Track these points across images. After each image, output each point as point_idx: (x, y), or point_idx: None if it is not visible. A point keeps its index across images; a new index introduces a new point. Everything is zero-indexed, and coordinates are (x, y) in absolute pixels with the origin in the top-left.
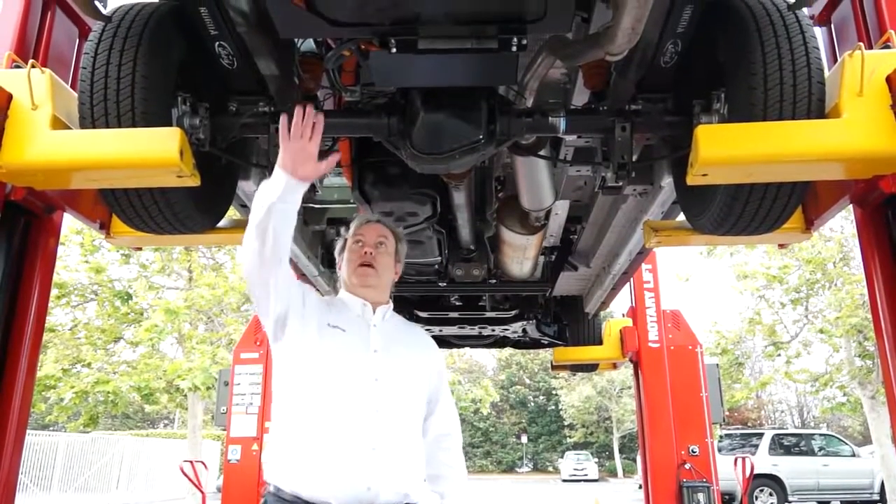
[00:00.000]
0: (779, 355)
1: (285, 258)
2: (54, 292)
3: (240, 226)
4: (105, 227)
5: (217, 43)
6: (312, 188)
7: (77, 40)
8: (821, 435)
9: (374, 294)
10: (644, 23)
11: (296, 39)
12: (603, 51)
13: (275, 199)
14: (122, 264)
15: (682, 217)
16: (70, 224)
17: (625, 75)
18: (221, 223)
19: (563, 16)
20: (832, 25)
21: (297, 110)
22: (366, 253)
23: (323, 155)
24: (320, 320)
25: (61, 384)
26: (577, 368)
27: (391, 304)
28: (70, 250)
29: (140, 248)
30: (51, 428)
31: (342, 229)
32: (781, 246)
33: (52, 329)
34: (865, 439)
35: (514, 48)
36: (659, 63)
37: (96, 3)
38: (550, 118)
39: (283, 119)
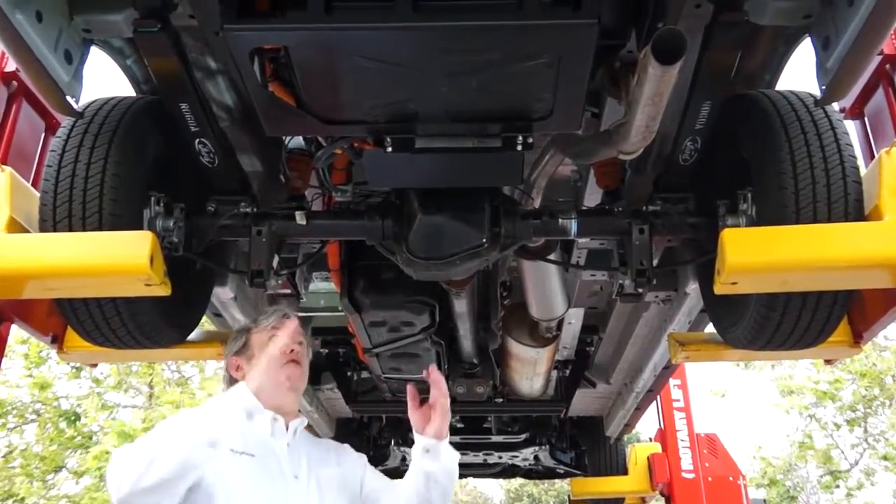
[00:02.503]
0: (837, 486)
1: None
2: None
3: (213, 339)
4: (58, 340)
5: (197, 140)
6: (297, 295)
7: (42, 135)
8: None
9: (291, 403)
10: (659, 120)
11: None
12: (616, 149)
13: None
14: (71, 378)
15: (712, 328)
16: (15, 332)
17: (641, 173)
18: (191, 336)
19: (572, 113)
20: (866, 119)
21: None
22: (292, 350)
23: (309, 258)
24: (222, 448)
25: None
26: None
27: (303, 416)
28: (12, 362)
29: (95, 365)
30: None
31: (249, 321)
32: (828, 362)
33: None
34: None
35: (520, 147)
36: (677, 160)
37: (69, 99)
38: (560, 220)
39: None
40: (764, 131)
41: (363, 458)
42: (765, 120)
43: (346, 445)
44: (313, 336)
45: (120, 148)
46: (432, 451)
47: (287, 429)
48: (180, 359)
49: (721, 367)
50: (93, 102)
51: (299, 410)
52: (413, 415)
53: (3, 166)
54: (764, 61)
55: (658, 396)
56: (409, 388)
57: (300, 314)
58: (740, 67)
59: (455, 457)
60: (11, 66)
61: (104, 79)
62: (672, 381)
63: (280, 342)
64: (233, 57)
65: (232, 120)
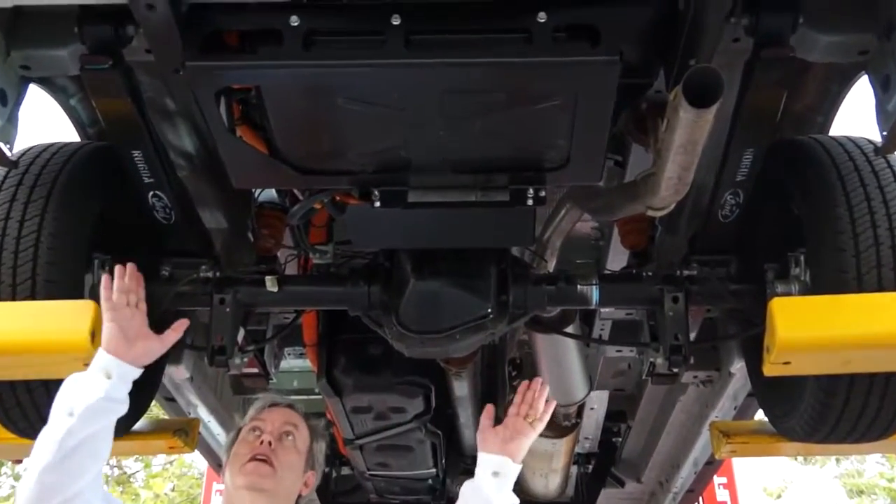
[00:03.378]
0: None
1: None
2: None
3: (162, 429)
4: None
5: (151, 192)
6: (265, 375)
7: None
8: None
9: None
10: (693, 170)
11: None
12: (643, 204)
13: (93, 396)
14: None
15: (762, 415)
16: None
17: (673, 232)
18: (137, 425)
19: (592, 162)
20: None
21: (118, 269)
22: (262, 443)
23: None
24: None
25: None
26: None
27: None
28: None
29: (20, 461)
30: None
31: (237, 416)
32: None
33: None
34: None
35: (531, 201)
36: (717, 216)
37: (1, 145)
38: (579, 286)
39: (104, 280)
40: (817, 183)
41: None
42: (818, 170)
43: None
44: None
45: (59, 202)
46: (502, 475)
47: None
48: (123, 454)
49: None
50: (29, 150)
51: None
52: (482, 434)
53: None
54: (815, 102)
55: (700, 498)
56: (488, 408)
57: (292, 401)
58: (787, 109)
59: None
60: None
61: (43, 122)
62: (717, 480)
63: (242, 441)
64: (195, 98)
65: (193, 169)
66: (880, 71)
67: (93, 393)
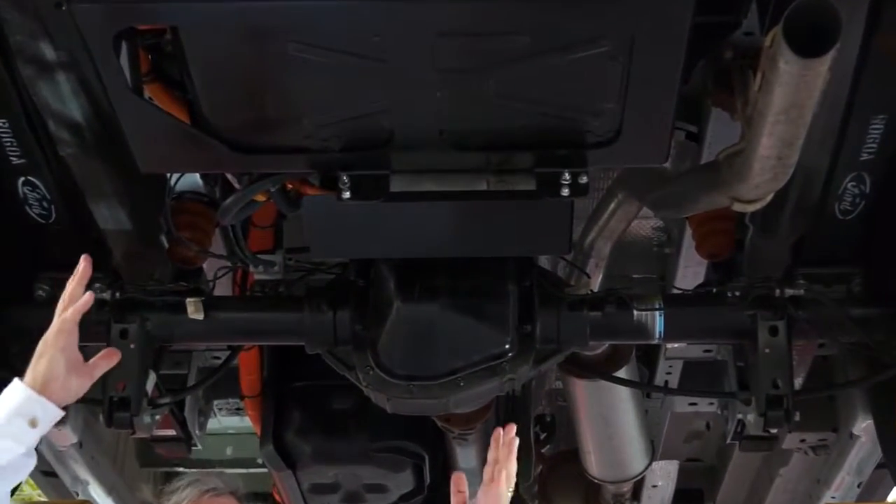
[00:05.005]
0: None
1: None
2: None
3: None
4: None
5: (23, 178)
6: (186, 440)
7: None
8: None
9: None
10: (799, 147)
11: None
12: (728, 195)
13: (12, 452)
14: None
15: None
16: None
17: (771, 235)
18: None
19: (653, 135)
20: None
21: (82, 264)
22: None
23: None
24: None
25: None
26: None
27: None
28: None
29: None
30: None
31: (147, 491)
32: None
33: None
34: None
35: (566, 191)
36: (833, 213)
37: None
38: (636, 311)
39: (69, 290)
40: None
41: None
42: None
43: None
44: None
45: None
46: None
47: None
48: None
49: None
50: None
51: None
52: None
53: None
54: None
55: None
56: (456, 477)
57: (229, 482)
58: None
59: None
60: None
61: None
62: None
63: None
64: (84, 43)
65: (81, 145)
66: None
67: (11, 447)
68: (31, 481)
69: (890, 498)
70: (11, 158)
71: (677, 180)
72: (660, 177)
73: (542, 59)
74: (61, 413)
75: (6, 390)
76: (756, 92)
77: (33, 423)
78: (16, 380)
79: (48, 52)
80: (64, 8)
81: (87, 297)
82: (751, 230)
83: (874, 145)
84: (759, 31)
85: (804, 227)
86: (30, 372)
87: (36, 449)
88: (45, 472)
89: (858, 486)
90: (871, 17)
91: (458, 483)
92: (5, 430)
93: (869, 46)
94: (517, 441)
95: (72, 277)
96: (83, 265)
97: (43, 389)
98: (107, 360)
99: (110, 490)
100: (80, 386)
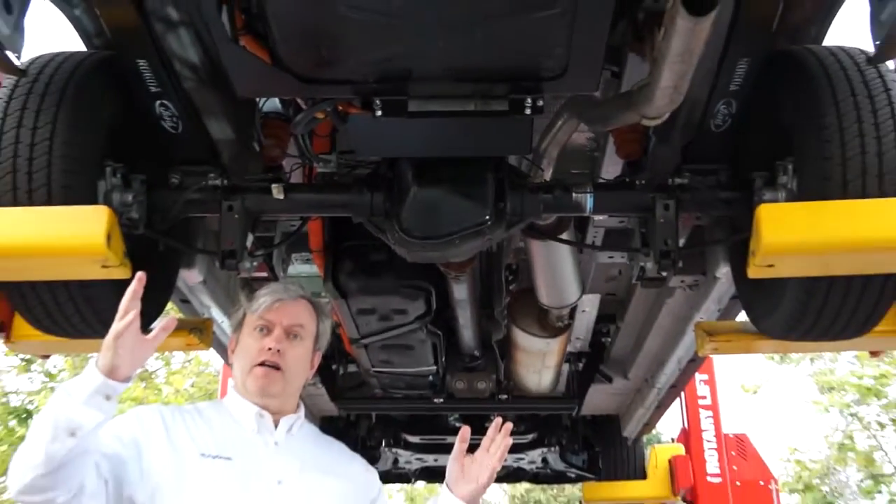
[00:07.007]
0: (880, 492)
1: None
2: None
3: (179, 328)
4: (5, 329)
5: (158, 101)
6: (274, 279)
7: None
8: None
9: (276, 403)
10: (689, 80)
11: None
12: (638, 113)
13: (97, 419)
14: (21, 372)
15: (744, 316)
16: None
17: (667, 142)
18: (155, 324)
19: (590, 71)
20: None
21: (138, 279)
22: (269, 349)
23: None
24: (186, 453)
25: None
26: None
27: (302, 413)
28: None
29: (47, 356)
30: None
31: (242, 296)
32: (874, 354)
33: None
34: None
35: (529, 111)
36: (709, 126)
37: (8, 53)
38: (574, 194)
39: (125, 304)
40: (808, 93)
41: (377, 478)
42: (809, 80)
43: (360, 457)
44: None
45: (70, 110)
46: None
47: (276, 426)
48: None
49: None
50: (37, 59)
51: (298, 404)
52: (453, 463)
53: None
54: (810, 13)
55: (682, 393)
56: (463, 430)
57: (305, 295)
58: (783, 19)
59: None
60: None
61: (49, 32)
62: (698, 376)
63: (254, 343)
64: (198, 6)
65: (198, 79)
66: None
67: (96, 416)
68: (173, 306)
69: (740, 318)
70: (150, 87)
71: (604, 104)
72: (592, 101)
73: (513, 17)
74: (128, 385)
75: (87, 373)
76: (660, 41)
77: (108, 398)
78: (92, 363)
79: (173, 13)
80: None
81: (134, 315)
82: (653, 139)
83: (740, 80)
84: None
85: (689, 136)
86: (101, 359)
87: (175, 285)
88: (182, 300)
89: (718, 311)
90: None
91: (464, 434)
92: (91, 402)
93: (739, 9)
94: (510, 441)
95: (126, 293)
96: (136, 285)
97: (110, 374)
98: (166, 330)
99: (225, 312)
100: (143, 357)
